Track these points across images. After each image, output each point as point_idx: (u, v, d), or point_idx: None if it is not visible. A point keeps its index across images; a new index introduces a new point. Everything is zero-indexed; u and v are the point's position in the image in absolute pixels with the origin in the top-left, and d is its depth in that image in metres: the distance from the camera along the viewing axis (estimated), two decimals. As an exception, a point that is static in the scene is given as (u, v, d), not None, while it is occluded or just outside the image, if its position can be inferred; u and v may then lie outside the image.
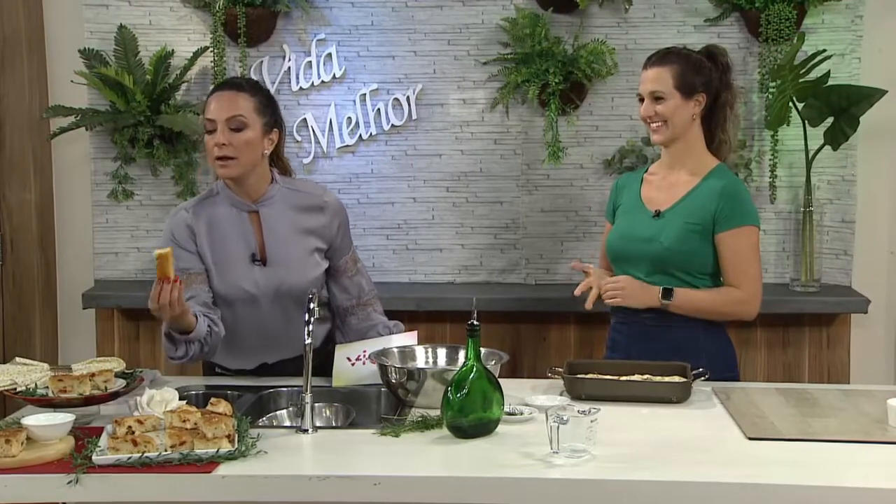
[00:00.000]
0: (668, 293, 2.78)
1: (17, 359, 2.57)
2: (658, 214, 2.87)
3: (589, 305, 2.81)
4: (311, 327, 2.35)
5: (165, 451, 2.06)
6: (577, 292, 2.84)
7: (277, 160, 2.87)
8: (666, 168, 2.94)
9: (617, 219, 2.99)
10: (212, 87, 3.82)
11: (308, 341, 2.34)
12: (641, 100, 2.88)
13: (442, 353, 2.70)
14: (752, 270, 2.83)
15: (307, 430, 2.28)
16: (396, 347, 2.70)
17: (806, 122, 3.69)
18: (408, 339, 2.80)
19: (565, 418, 2.08)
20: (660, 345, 2.80)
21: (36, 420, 2.16)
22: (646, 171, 3.00)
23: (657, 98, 2.83)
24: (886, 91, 3.60)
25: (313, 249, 2.81)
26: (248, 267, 2.76)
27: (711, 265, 2.84)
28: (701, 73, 2.85)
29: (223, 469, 2.03)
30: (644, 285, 2.81)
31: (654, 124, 2.86)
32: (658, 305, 2.78)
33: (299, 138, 3.91)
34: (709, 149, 2.90)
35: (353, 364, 2.71)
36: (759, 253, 2.86)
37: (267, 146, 2.75)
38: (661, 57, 2.88)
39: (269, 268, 2.76)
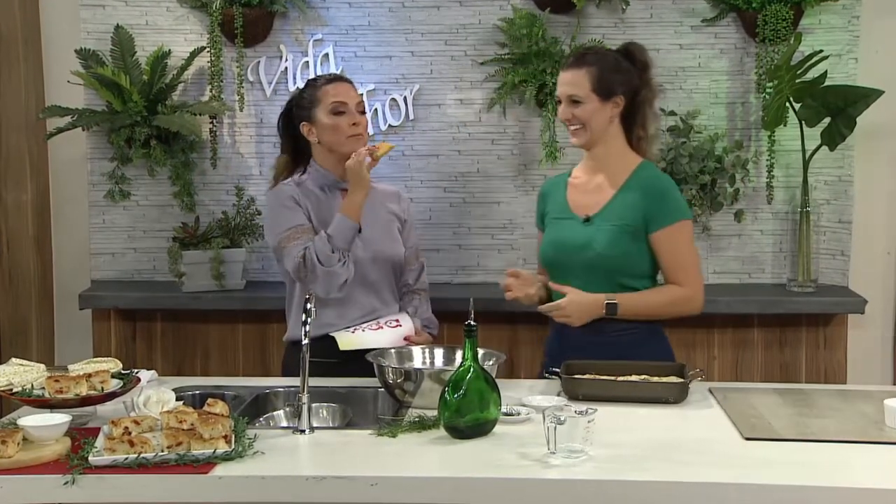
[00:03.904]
0: (612, 307, 2.73)
1: (14, 359, 2.56)
2: (588, 220, 2.82)
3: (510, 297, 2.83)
4: (308, 328, 2.35)
5: (162, 451, 2.06)
6: (503, 286, 2.85)
7: None
8: (589, 172, 2.89)
9: (547, 227, 2.94)
10: (209, 87, 3.86)
11: (305, 342, 2.34)
12: (560, 101, 2.84)
13: (439, 353, 2.70)
14: (691, 265, 2.80)
15: (304, 431, 2.27)
16: (394, 349, 2.71)
17: (803, 122, 3.69)
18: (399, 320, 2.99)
19: (562, 419, 2.07)
20: (598, 350, 2.73)
21: (32, 421, 2.16)
22: (569, 175, 2.96)
23: (574, 102, 2.79)
24: (883, 91, 3.60)
25: (396, 226, 3.10)
26: None
27: (648, 265, 2.80)
28: (619, 74, 2.80)
29: (220, 470, 2.03)
30: (587, 302, 2.75)
31: (573, 127, 2.82)
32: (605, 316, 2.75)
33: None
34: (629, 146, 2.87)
35: (353, 332, 2.87)
36: (694, 246, 2.84)
37: None
38: (578, 59, 2.83)
39: (365, 235, 2.96)
